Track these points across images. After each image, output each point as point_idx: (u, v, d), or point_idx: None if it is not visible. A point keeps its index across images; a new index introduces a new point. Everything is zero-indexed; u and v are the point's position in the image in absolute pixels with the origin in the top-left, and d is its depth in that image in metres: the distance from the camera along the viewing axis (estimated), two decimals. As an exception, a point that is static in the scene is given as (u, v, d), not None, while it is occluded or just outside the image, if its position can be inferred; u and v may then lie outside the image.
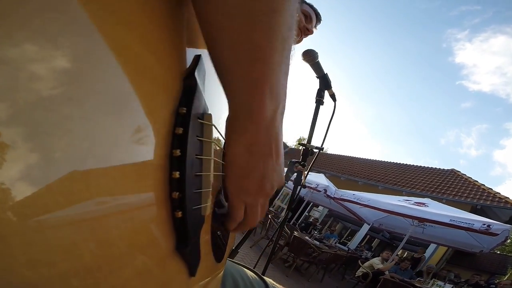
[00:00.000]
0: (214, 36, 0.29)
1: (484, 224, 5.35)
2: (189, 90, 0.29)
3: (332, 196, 8.15)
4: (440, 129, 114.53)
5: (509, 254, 21.30)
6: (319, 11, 1.21)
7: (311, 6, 1.19)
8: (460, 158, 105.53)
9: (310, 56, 1.26)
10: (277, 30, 0.29)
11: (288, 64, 0.34)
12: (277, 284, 0.72)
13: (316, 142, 1.43)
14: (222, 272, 0.52)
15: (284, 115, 0.39)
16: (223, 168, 0.39)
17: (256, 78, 0.31)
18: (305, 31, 1.17)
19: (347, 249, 8.72)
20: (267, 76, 0.31)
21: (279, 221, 6.70)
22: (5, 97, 0.12)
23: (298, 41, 1.20)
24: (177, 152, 0.27)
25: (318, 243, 6.31)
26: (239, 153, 0.36)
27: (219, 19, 0.27)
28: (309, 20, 1.17)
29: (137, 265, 0.23)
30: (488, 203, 10.46)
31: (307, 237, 6.18)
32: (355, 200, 7.45)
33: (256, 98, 0.32)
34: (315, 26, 1.21)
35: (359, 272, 6.39)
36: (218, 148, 0.40)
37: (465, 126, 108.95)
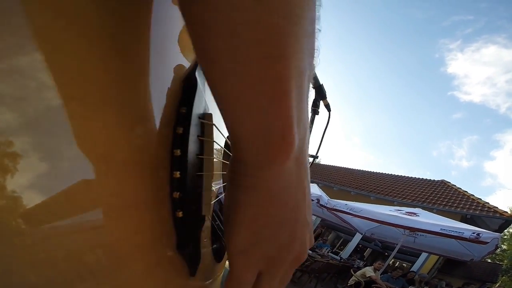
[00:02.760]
0: (202, 18, 0.18)
1: (474, 233, 5.41)
2: (189, 89, 0.29)
3: (325, 206, 8.13)
4: (432, 140, 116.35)
5: (500, 263, 21.44)
6: None
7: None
8: (451, 169, 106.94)
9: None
10: (301, 15, 0.20)
11: (311, 75, 0.25)
12: None
13: (310, 151, 1.44)
14: (222, 272, 0.52)
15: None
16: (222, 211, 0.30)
17: (275, 87, 0.20)
18: None
19: (339, 258, 8.68)
20: (291, 85, 0.21)
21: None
22: (8, 105, 0.12)
23: None
24: (178, 152, 0.27)
25: (310, 252, 6.27)
26: (255, 207, 0.25)
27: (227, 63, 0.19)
28: None
29: (137, 264, 0.23)
30: (478, 212, 10.60)
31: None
32: (347, 211, 7.45)
33: (279, 118, 0.21)
34: None
35: (351, 281, 6.35)
36: (219, 147, 0.41)
37: (457, 137, 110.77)
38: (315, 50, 0.24)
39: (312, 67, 0.24)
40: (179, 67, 0.29)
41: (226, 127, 0.24)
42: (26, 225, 0.13)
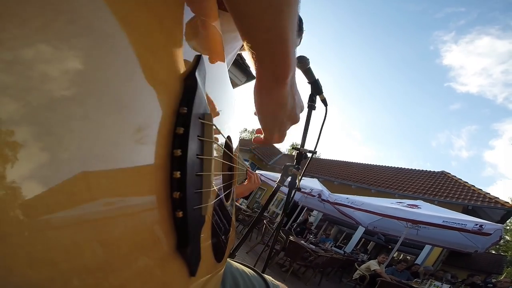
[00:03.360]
0: None
1: (476, 224, 5.40)
2: (189, 90, 0.29)
3: (326, 200, 8.15)
4: (431, 132, 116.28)
5: (504, 254, 21.49)
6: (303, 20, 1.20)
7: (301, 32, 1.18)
8: (451, 159, 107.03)
9: (301, 63, 1.28)
10: None
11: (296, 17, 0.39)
12: (276, 281, 0.72)
13: (309, 146, 1.44)
14: (222, 272, 0.52)
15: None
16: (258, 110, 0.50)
17: (282, 35, 0.36)
18: None
19: (343, 252, 8.71)
20: (290, 35, 0.36)
21: (274, 226, 6.67)
22: (14, 97, 0.13)
23: None
24: (178, 152, 0.27)
25: (314, 247, 6.29)
26: (271, 111, 0.49)
27: None
28: None
29: (137, 265, 0.23)
30: (479, 203, 10.59)
31: (302, 242, 6.16)
32: (349, 204, 7.46)
33: (283, 58, 0.39)
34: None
35: (356, 275, 6.38)
36: (218, 148, 0.41)
37: (455, 127, 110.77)
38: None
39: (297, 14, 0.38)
40: (179, 66, 0.29)
41: (253, 61, 0.40)
42: (25, 219, 0.13)
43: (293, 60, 0.41)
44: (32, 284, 0.14)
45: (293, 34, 0.38)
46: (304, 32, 1.22)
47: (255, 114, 0.57)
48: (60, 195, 0.15)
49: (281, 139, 0.59)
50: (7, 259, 0.13)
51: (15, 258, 0.13)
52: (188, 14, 0.30)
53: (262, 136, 0.60)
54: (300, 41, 1.21)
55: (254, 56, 0.39)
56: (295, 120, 0.56)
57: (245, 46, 0.38)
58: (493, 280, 9.03)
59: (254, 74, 0.44)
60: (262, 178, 9.56)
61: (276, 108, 0.49)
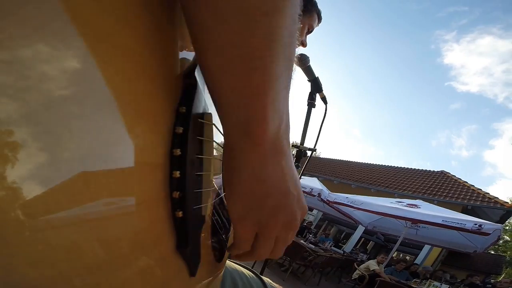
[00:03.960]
0: (203, 40, 0.25)
1: (475, 224, 5.41)
2: (189, 89, 0.29)
3: (326, 200, 8.15)
4: (431, 131, 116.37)
5: (503, 254, 21.53)
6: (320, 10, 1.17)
7: (315, 5, 1.16)
8: (451, 159, 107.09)
9: (302, 60, 1.28)
10: (278, 33, 0.25)
11: (290, 77, 0.29)
12: (275, 284, 0.72)
13: (308, 144, 1.44)
14: (222, 272, 0.52)
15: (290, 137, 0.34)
16: (223, 188, 0.35)
17: (254, 90, 0.26)
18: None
19: (342, 252, 8.72)
20: (267, 88, 0.26)
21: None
22: (12, 97, 0.12)
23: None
24: (178, 152, 0.27)
25: (313, 246, 6.30)
26: (243, 182, 0.32)
27: (209, 20, 0.23)
28: (300, 34, 1.15)
29: (137, 264, 0.23)
30: (478, 203, 10.63)
31: (302, 241, 6.16)
32: (348, 204, 7.47)
33: (256, 111, 0.27)
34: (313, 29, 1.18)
35: (355, 275, 6.39)
36: (218, 147, 0.41)
37: (455, 127, 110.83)
38: (295, 54, 0.30)
39: (291, 68, 0.29)
40: (178, 66, 0.29)
41: (219, 118, 0.30)
42: (25, 219, 0.13)
43: (277, 107, 0.29)
44: (33, 284, 0.14)
45: (282, 58, 0.26)
46: (321, 21, 1.18)
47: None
48: (60, 195, 0.15)
49: (263, 251, 0.37)
50: (8, 259, 0.13)
51: (16, 258, 0.13)
52: None
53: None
54: (319, 16, 1.16)
55: (210, 89, 0.29)
56: (293, 225, 0.37)
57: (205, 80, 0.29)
58: (492, 281, 9.05)
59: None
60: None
61: (248, 187, 0.32)
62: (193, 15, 0.24)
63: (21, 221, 0.13)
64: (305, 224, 11.85)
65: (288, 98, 0.31)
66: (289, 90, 0.30)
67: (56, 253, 0.15)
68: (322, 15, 1.16)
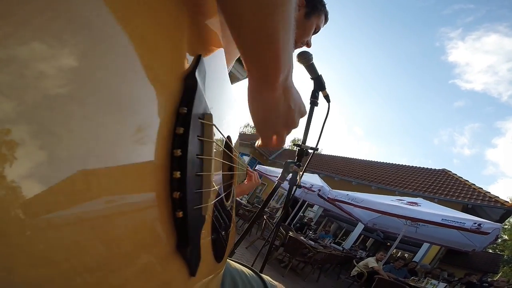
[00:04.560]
0: None
1: (475, 223, 5.42)
2: (189, 90, 0.29)
3: (326, 197, 8.17)
4: (434, 129, 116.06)
5: (501, 253, 21.60)
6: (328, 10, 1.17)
7: (324, 6, 1.15)
8: (453, 157, 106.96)
9: (304, 58, 1.27)
10: None
11: (293, 36, 0.38)
12: (274, 282, 0.73)
13: (310, 142, 1.44)
14: (222, 271, 0.52)
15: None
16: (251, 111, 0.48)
17: (270, 37, 0.34)
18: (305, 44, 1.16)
19: (342, 249, 8.76)
20: (279, 34, 0.35)
21: (274, 221, 6.71)
22: (12, 95, 0.12)
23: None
24: (178, 152, 0.27)
25: (313, 243, 6.33)
26: (264, 110, 0.47)
27: None
28: (307, 33, 1.15)
29: (138, 264, 0.23)
30: (479, 202, 10.62)
31: (302, 237, 6.19)
32: (348, 201, 7.48)
33: (272, 61, 0.37)
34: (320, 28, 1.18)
35: (354, 272, 6.43)
36: (218, 148, 0.41)
37: (458, 125, 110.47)
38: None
39: (294, 17, 0.37)
40: (179, 66, 0.28)
41: (243, 61, 0.39)
42: (26, 219, 0.13)
43: (284, 62, 0.39)
44: (33, 284, 0.14)
45: (287, 34, 0.36)
46: (327, 22, 1.18)
47: None
48: (61, 195, 0.15)
49: (279, 143, 0.56)
50: (8, 259, 0.13)
51: (16, 258, 0.13)
52: (187, 12, 0.30)
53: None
54: (326, 17, 1.16)
55: (242, 56, 0.38)
56: (292, 126, 0.54)
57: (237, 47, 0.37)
58: (489, 279, 9.09)
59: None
60: (263, 173, 9.59)
61: (266, 113, 0.47)
62: None
63: (21, 220, 0.13)
64: (306, 220, 11.90)
65: (292, 51, 0.40)
66: (292, 47, 0.39)
67: (57, 252, 0.15)
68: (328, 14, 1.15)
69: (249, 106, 0.48)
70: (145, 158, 0.23)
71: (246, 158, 18.44)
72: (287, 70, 0.41)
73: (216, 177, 0.42)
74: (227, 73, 0.53)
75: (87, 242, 0.17)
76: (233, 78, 6.00)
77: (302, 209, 13.37)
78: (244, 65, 0.40)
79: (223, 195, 0.47)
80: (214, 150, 0.37)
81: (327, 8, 1.15)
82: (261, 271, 1.35)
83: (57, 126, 0.15)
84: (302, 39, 1.12)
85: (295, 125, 0.54)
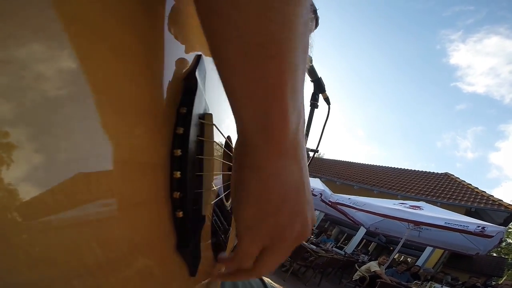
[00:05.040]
0: (218, 27, 0.23)
1: (478, 226, 5.38)
2: (189, 90, 0.29)
3: (328, 201, 8.13)
4: (436, 132, 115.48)
5: (505, 256, 21.39)
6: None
7: (314, 11, 1.17)
8: (456, 161, 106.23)
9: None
10: (294, 21, 0.24)
11: (305, 69, 0.28)
12: (275, 284, 0.72)
13: (311, 145, 1.43)
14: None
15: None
16: (231, 193, 0.33)
17: (272, 80, 0.25)
18: None
19: (343, 253, 8.70)
20: (285, 78, 0.25)
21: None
22: (9, 97, 0.12)
23: None
24: (178, 152, 0.27)
25: (314, 247, 6.28)
26: (259, 183, 0.29)
27: (225, 7, 0.22)
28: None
29: (138, 265, 0.23)
30: (482, 205, 10.55)
31: (303, 242, 6.15)
32: (350, 205, 7.44)
33: (275, 103, 0.25)
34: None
35: (356, 276, 6.37)
36: (218, 147, 0.41)
37: (461, 128, 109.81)
38: (309, 47, 0.28)
39: (306, 62, 0.28)
40: (179, 67, 0.29)
41: (233, 113, 0.28)
42: (24, 221, 0.13)
43: (296, 99, 0.27)
44: (32, 284, 0.14)
45: (300, 52, 0.25)
46: (319, 19, 1.20)
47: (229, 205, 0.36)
48: (60, 196, 0.15)
49: (266, 268, 0.33)
50: (7, 259, 0.13)
51: (15, 259, 0.13)
52: (186, 12, 0.30)
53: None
54: (317, 22, 1.18)
55: (227, 90, 0.27)
56: (303, 235, 0.32)
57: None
58: (493, 283, 8.99)
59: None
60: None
61: (262, 193, 0.29)
62: (207, 2, 0.23)
63: (21, 221, 0.13)
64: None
65: (303, 92, 0.29)
66: (304, 84, 0.29)
67: (56, 253, 0.15)
68: (324, 18, 1.17)
69: (236, 196, 0.31)
70: (146, 158, 0.23)
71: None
72: (298, 114, 0.28)
73: (216, 177, 0.42)
74: None
75: (87, 242, 0.17)
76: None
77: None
78: (231, 101, 0.27)
79: (223, 195, 0.47)
80: (214, 150, 0.37)
81: (317, 13, 1.16)
82: (262, 275, 1.34)
83: (57, 127, 0.15)
84: None
85: (308, 233, 0.33)
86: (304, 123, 0.31)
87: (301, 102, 0.28)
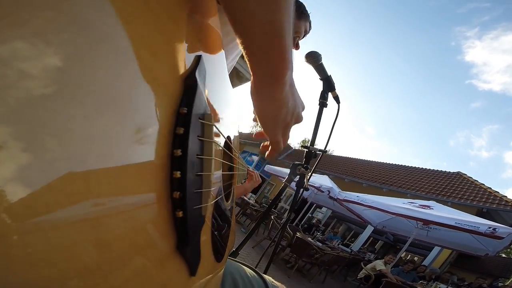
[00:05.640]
0: None
1: (489, 227, 5.28)
2: (189, 90, 0.29)
3: (336, 198, 8.10)
4: (449, 130, 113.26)
5: (514, 258, 21.03)
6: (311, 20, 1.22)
7: (307, 15, 1.19)
8: (470, 160, 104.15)
9: (313, 58, 1.26)
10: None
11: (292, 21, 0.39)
12: (276, 282, 0.72)
13: (319, 144, 1.42)
14: (222, 271, 0.52)
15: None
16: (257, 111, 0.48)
17: (277, 31, 0.35)
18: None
19: (350, 251, 8.68)
20: (286, 28, 0.35)
21: (281, 222, 6.69)
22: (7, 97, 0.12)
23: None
24: (178, 152, 0.27)
25: (320, 244, 6.28)
26: (274, 108, 0.47)
27: None
28: (299, 34, 1.19)
29: (137, 265, 0.23)
30: (495, 206, 10.33)
31: (309, 238, 6.16)
32: (358, 202, 7.40)
33: (279, 58, 0.38)
34: (303, 37, 1.22)
35: (361, 274, 6.36)
36: (218, 148, 0.41)
37: (475, 127, 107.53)
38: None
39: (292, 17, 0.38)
40: (179, 66, 0.29)
41: (247, 57, 0.39)
42: (23, 220, 0.13)
43: (290, 56, 0.39)
44: (32, 285, 0.14)
45: (290, 28, 0.36)
46: (310, 14, 1.22)
47: (254, 120, 0.55)
48: (59, 195, 0.15)
49: (286, 142, 0.56)
50: (7, 259, 0.13)
51: (14, 259, 0.13)
52: (186, 12, 0.30)
53: (267, 143, 0.59)
54: (310, 25, 1.21)
55: (248, 54, 0.38)
56: (299, 120, 0.55)
57: (239, 44, 0.37)
58: (500, 284, 8.85)
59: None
60: (272, 173, 9.56)
61: (277, 110, 0.47)
62: None
63: (20, 221, 0.13)
64: (314, 221, 11.82)
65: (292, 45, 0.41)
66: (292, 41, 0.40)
67: (56, 253, 0.15)
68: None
69: (258, 106, 0.47)
70: (145, 158, 0.23)
71: (255, 158, 18.43)
72: (292, 63, 0.41)
73: (216, 177, 0.42)
74: (227, 73, 0.53)
75: (86, 242, 0.17)
76: (243, 79, 5.98)
77: (311, 210, 13.29)
78: (249, 65, 0.39)
79: (223, 195, 0.47)
80: (214, 150, 0.37)
81: (310, 17, 1.23)
82: (265, 271, 1.35)
83: (57, 126, 0.15)
84: (295, 39, 1.17)
85: (301, 118, 0.55)
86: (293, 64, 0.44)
87: (292, 43, 0.40)
